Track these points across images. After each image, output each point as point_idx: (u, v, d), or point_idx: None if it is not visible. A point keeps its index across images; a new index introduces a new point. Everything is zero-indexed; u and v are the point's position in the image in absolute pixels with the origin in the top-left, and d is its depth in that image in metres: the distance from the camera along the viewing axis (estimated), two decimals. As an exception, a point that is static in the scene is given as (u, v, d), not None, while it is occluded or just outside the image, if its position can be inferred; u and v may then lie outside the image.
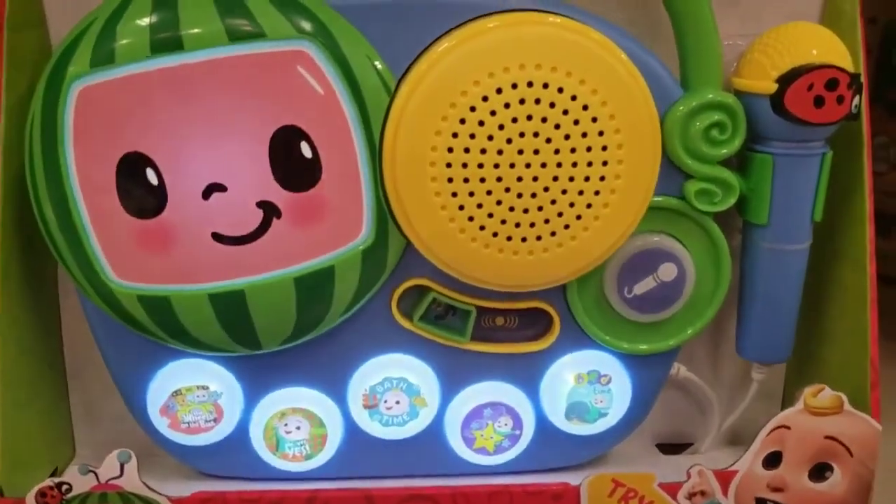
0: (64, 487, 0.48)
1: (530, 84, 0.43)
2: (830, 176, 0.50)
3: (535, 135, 0.43)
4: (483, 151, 0.43)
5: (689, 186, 0.48)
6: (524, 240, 0.45)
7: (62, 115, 0.44)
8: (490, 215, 0.45)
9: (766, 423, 0.52)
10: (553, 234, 0.45)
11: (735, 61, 0.50)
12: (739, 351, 0.55)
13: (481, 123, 0.43)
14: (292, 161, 0.45)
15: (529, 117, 0.43)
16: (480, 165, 0.44)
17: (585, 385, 0.52)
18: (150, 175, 0.44)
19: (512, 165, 0.44)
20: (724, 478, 0.50)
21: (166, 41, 0.43)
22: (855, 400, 0.50)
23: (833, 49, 0.47)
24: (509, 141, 0.43)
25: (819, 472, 0.50)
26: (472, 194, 0.44)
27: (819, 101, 0.46)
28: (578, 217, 0.45)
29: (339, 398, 0.52)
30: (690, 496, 0.49)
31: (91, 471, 0.48)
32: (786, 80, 0.46)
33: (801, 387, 0.51)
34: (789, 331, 0.53)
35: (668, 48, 0.50)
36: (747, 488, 0.50)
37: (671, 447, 0.60)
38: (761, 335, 0.53)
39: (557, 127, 0.43)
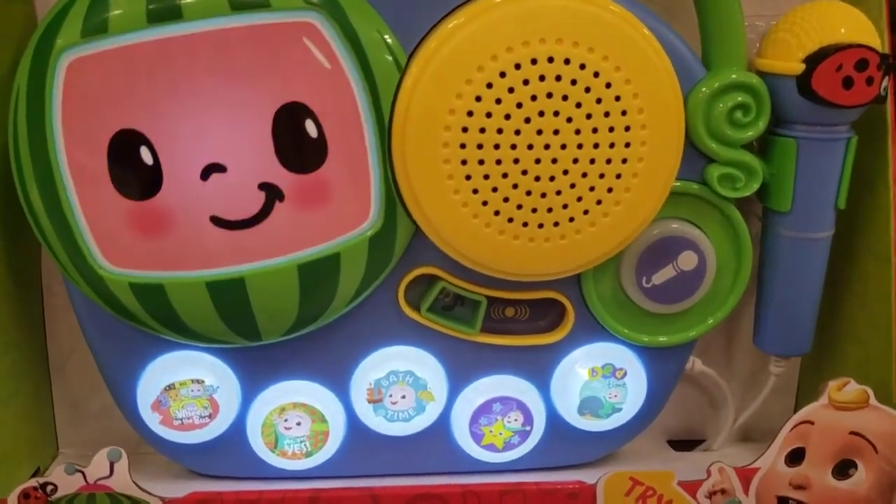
0: (49, 488, 0.45)
1: (550, 59, 0.40)
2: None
3: (556, 114, 0.41)
4: (500, 131, 0.41)
5: (711, 171, 0.46)
6: (541, 226, 0.43)
7: (50, 89, 0.41)
8: (506, 199, 0.42)
9: (780, 418, 0.50)
10: (571, 219, 0.43)
11: (754, 42, 0.49)
12: (758, 343, 0.53)
13: (498, 101, 0.41)
14: (296, 140, 0.42)
15: (549, 95, 0.41)
16: (497, 146, 0.41)
17: (599, 379, 0.50)
18: (145, 154, 0.42)
19: (530, 146, 0.42)
20: (745, 475, 0.48)
21: (164, 10, 0.40)
22: (878, 395, 0.48)
23: (862, 28, 0.45)
24: (528, 120, 0.41)
25: (843, 469, 0.48)
26: (487, 177, 0.42)
27: (848, 83, 0.45)
28: (598, 202, 0.43)
29: (342, 392, 0.49)
30: (710, 495, 0.48)
31: (78, 470, 0.45)
32: (813, 59, 0.45)
33: (818, 381, 0.50)
34: (810, 323, 0.51)
35: (686, 28, 0.48)
36: (769, 486, 0.48)
37: (682, 443, 0.58)
38: (781, 327, 0.51)
39: (579, 105, 0.41)
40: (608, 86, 0.41)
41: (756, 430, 0.58)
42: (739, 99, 0.45)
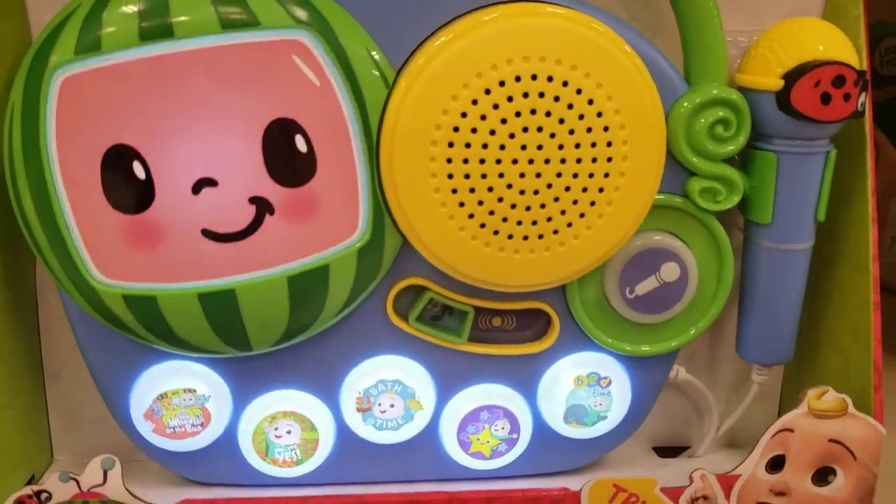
0: (43, 496, 0.46)
1: (534, 77, 0.41)
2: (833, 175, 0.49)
3: (539, 129, 0.42)
4: (485, 146, 0.42)
5: (692, 184, 0.47)
6: (525, 238, 0.44)
7: (44, 105, 0.42)
8: (491, 213, 0.43)
9: (763, 425, 0.51)
10: (555, 232, 0.44)
11: (736, 57, 0.50)
12: (740, 352, 0.54)
13: (483, 117, 0.42)
14: (286, 155, 0.43)
15: (533, 111, 0.42)
16: (482, 161, 0.42)
17: (585, 388, 0.51)
18: (138, 168, 0.42)
19: (515, 161, 0.42)
20: (727, 482, 0.49)
21: (155, 28, 0.41)
22: (857, 403, 0.49)
23: (840, 45, 0.46)
24: (512, 136, 0.42)
25: (822, 475, 0.49)
26: (472, 191, 0.43)
27: (826, 98, 0.46)
28: (581, 215, 0.44)
29: (332, 401, 0.50)
30: (692, 501, 0.48)
31: (72, 478, 0.46)
32: (792, 76, 0.46)
33: (800, 389, 0.51)
34: (791, 332, 0.52)
35: (669, 45, 0.49)
36: (750, 493, 0.49)
37: (667, 450, 0.59)
38: (763, 336, 0.52)
39: (562, 122, 0.42)
40: (590, 102, 0.42)
41: (740, 436, 0.59)
42: (720, 114, 0.46)
